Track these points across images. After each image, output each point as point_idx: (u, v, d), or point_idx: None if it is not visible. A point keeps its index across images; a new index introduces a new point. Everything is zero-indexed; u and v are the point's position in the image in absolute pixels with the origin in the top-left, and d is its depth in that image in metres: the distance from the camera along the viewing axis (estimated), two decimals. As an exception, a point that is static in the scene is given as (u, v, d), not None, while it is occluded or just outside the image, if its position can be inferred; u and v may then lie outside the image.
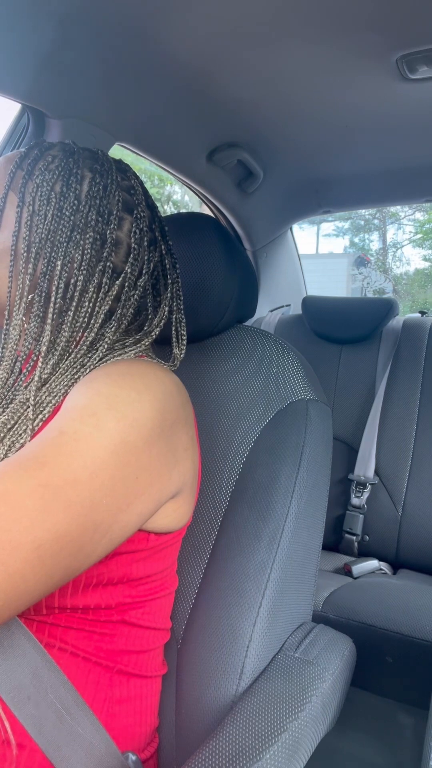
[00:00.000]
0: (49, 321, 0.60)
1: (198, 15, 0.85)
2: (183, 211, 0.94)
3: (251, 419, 0.81)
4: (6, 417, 0.58)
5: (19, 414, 0.58)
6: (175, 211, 1.43)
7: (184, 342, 0.70)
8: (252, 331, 0.88)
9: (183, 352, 0.69)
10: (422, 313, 1.84)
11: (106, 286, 0.61)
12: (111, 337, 0.61)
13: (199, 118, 1.20)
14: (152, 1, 0.82)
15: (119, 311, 0.62)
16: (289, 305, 1.95)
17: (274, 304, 1.93)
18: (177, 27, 0.88)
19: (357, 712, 1.14)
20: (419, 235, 15.64)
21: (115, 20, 0.86)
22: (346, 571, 1.40)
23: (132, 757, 0.57)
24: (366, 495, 1.51)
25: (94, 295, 0.61)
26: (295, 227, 2.03)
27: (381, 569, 1.44)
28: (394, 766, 1.13)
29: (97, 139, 1.04)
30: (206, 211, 1.67)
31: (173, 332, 0.69)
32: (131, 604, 0.60)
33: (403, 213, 15.76)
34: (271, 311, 1.87)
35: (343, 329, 1.66)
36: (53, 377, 0.59)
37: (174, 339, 0.69)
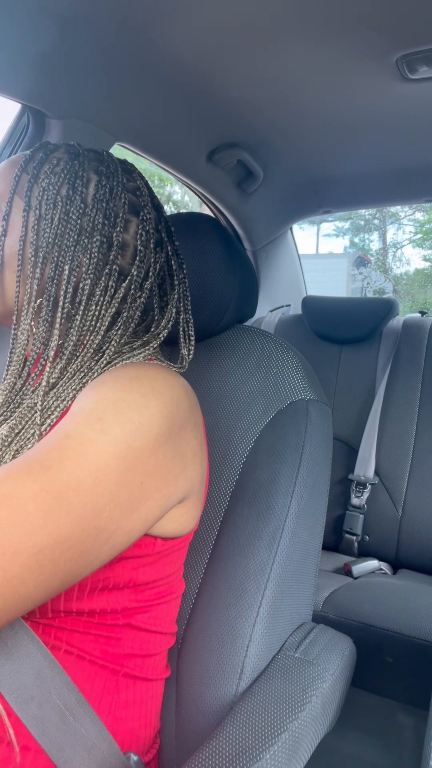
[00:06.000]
0: (57, 325, 0.59)
1: (198, 15, 0.85)
2: (183, 211, 0.94)
3: (251, 419, 0.81)
4: (14, 421, 0.57)
5: (26, 419, 0.57)
6: (175, 211, 1.43)
7: (192, 342, 0.69)
8: (252, 331, 0.88)
9: (191, 352, 0.69)
10: (422, 313, 1.84)
11: (113, 289, 0.61)
12: (118, 340, 0.61)
13: (199, 118, 1.20)
14: (152, 1, 0.82)
15: (125, 313, 0.62)
16: (289, 305, 1.95)
17: (274, 304, 1.93)
18: (177, 27, 0.88)
19: (357, 712, 1.14)
20: (419, 235, 15.64)
21: (115, 20, 0.86)
22: (346, 571, 1.40)
23: (134, 757, 0.57)
24: (366, 495, 1.51)
25: (101, 298, 0.60)
26: (295, 227, 2.03)
27: (381, 569, 1.44)
28: (394, 766, 1.13)
29: (97, 139, 1.04)
30: (206, 211, 1.67)
31: (181, 333, 0.69)
32: (137, 608, 0.59)
33: (403, 213, 15.76)
34: (271, 311, 1.87)
35: (343, 329, 1.66)
36: (61, 381, 0.59)
37: (182, 339, 0.69)
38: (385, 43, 0.91)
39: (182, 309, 0.69)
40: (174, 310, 0.67)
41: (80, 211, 0.60)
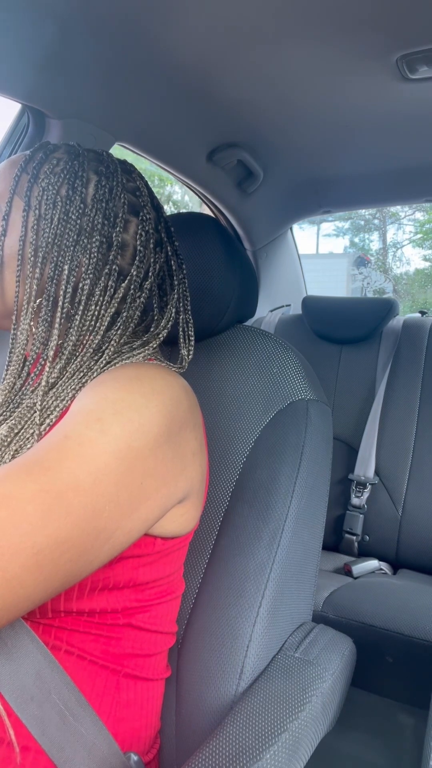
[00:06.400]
0: (56, 325, 0.59)
1: (198, 15, 0.85)
2: (183, 211, 0.94)
3: (251, 419, 0.81)
4: (13, 421, 0.57)
5: (26, 419, 0.57)
6: (175, 211, 1.43)
7: (192, 343, 0.69)
8: (252, 331, 0.88)
9: (191, 353, 0.69)
10: (422, 313, 1.84)
11: (112, 289, 0.61)
12: (117, 340, 0.61)
13: (199, 119, 1.19)
14: (152, 1, 0.82)
15: (125, 313, 0.62)
16: (289, 305, 1.95)
17: (274, 304, 1.93)
18: (177, 27, 0.88)
19: (357, 712, 1.14)
20: (419, 235, 15.63)
21: (116, 20, 0.86)
22: (346, 571, 1.40)
23: (134, 757, 0.57)
24: (366, 495, 1.51)
25: (101, 299, 0.61)
26: (295, 227, 2.03)
27: (381, 569, 1.44)
28: (394, 766, 1.13)
29: (97, 139, 1.04)
30: (206, 211, 1.67)
31: (181, 333, 0.69)
32: (137, 608, 0.59)
33: (403, 213, 15.75)
34: (271, 311, 1.87)
35: (343, 329, 1.66)
36: (60, 381, 0.59)
37: (182, 339, 0.69)
38: (385, 43, 0.91)
39: (182, 309, 0.69)
40: (174, 310, 0.67)
41: (80, 211, 0.60)
